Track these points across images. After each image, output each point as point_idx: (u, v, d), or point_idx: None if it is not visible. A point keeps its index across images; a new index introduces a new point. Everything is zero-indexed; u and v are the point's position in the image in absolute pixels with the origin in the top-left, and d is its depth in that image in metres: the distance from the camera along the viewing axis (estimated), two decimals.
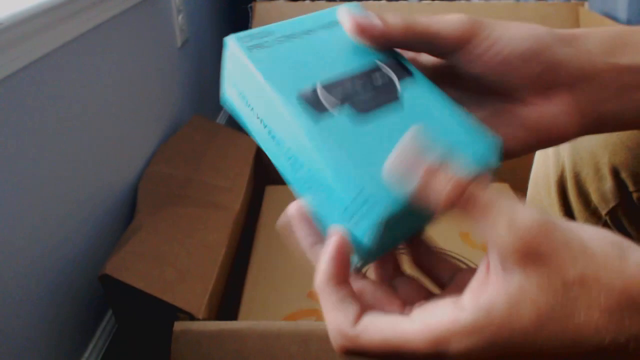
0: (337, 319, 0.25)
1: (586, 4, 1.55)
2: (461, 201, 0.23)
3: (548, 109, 0.31)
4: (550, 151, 0.58)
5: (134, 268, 0.77)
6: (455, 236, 1.06)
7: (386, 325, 0.24)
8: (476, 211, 0.23)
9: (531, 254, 0.22)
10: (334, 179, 0.26)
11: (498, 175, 1.29)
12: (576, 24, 1.51)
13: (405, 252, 0.31)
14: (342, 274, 0.26)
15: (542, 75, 0.30)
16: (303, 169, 0.27)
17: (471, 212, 0.23)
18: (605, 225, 0.53)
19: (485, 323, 0.22)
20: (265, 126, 0.29)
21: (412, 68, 0.31)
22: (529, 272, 0.22)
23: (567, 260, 0.22)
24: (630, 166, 0.49)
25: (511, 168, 1.27)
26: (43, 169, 0.76)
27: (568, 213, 0.57)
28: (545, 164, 0.59)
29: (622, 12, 1.40)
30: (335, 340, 0.25)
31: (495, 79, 0.31)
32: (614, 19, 1.43)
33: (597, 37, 0.32)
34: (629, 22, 1.37)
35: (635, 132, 0.43)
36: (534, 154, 0.62)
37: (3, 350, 0.67)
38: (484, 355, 0.22)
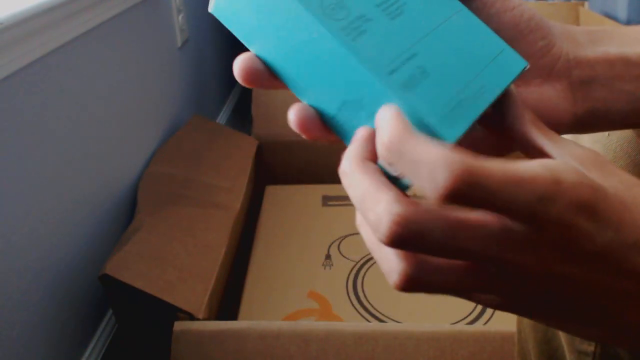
0: (443, 151, 0.21)
1: (586, 4, 1.55)
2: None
3: (546, 92, 0.32)
4: None
5: (134, 268, 0.77)
6: None
7: (499, 162, 0.22)
8: (548, 136, 0.27)
9: (601, 163, 0.25)
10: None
11: None
12: (576, 23, 1.51)
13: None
14: None
15: (544, 51, 0.31)
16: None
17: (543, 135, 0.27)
18: None
19: (587, 178, 0.22)
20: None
21: None
22: (606, 175, 0.25)
23: (620, 170, 0.25)
24: (631, 173, 0.49)
25: None
26: (43, 168, 0.76)
27: None
28: None
29: (622, 11, 1.40)
30: (451, 169, 0.20)
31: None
32: (614, 18, 1.43)
33: (581, 30, 0.33)
34: (629, 22, 1.37)
35: (635, 138, 0.43)
36: None
37: (3, 350, 0.67)
38: (585, 209, 0.22)
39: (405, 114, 0.24)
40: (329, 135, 0.28)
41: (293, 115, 0.27)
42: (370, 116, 0.26)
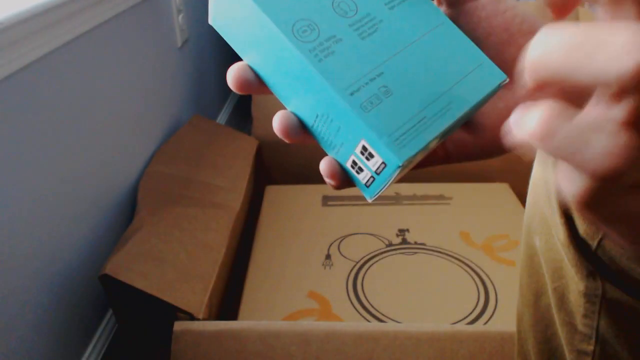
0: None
1: (586, 4, 1.55)
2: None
3: (539, 97, 0.31)
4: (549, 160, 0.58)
5: (134, 268, 0.77)
6: (455, 236, 1.06)
7: None
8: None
9: None
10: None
11: (498, 175, 1.29)
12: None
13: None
14: None
15: None
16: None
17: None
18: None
19: None
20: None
21: None
22: None
23: None
24: None
25: (511, 168, 1.27)
26: (43, 169, 0.76)
27: (569, 220, 0.57)
28: (545, 171, 0.59)
29: None
30: None
31: (495, 47, 0.31)
32: None
33: None
34: None
35: None
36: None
37: (4, 350, 0.67)
38: None
39: (364, 134, 0.26)
40: (308, 139, 0.29)
41: (276, 122, 0.29)
42: (340, 130, 0.27)
